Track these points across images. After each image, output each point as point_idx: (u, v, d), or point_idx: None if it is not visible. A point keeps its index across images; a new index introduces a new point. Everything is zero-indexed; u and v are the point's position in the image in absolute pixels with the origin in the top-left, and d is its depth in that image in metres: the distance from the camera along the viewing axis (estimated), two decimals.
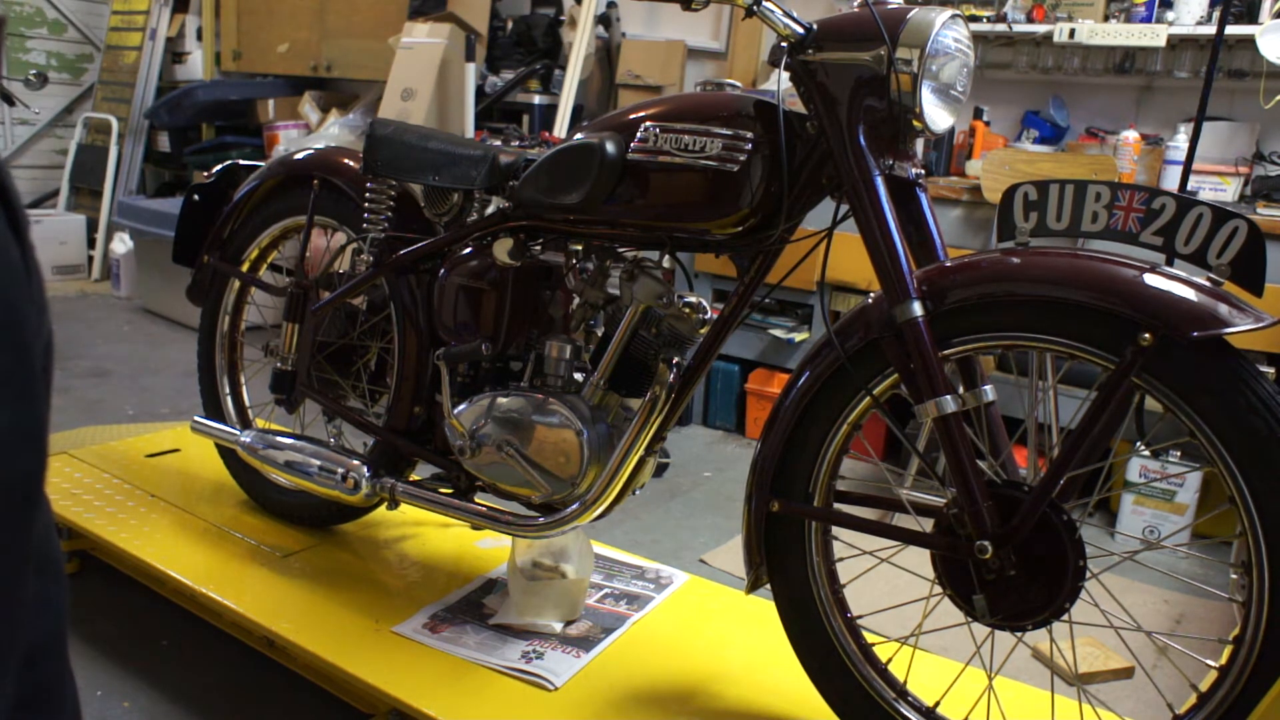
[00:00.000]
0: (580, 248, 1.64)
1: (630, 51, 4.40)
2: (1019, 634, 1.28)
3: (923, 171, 1.38)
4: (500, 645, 1.65)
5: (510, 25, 4.57)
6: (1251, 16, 3.08)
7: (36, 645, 0.66)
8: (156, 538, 1.97)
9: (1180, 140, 3.24)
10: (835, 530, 1.44)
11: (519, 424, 1.57)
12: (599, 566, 1.96)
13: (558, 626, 1.71)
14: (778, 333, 3.64)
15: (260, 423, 2.13)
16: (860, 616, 1.44)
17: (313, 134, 4.77)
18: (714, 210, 1.40)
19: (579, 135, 1.52)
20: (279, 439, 1.88)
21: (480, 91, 4.27)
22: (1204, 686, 1.20)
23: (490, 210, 1.72)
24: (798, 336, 3.63)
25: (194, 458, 2.41)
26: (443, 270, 1.73)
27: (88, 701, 1.72)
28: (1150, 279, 1.14)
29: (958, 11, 1.30)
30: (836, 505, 1.42)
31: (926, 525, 1.33)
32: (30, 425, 0.57)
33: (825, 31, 1.31)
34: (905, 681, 1.41)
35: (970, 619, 1.29)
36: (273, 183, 2.03)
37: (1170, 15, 3.22)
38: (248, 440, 1.92)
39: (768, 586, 1.48)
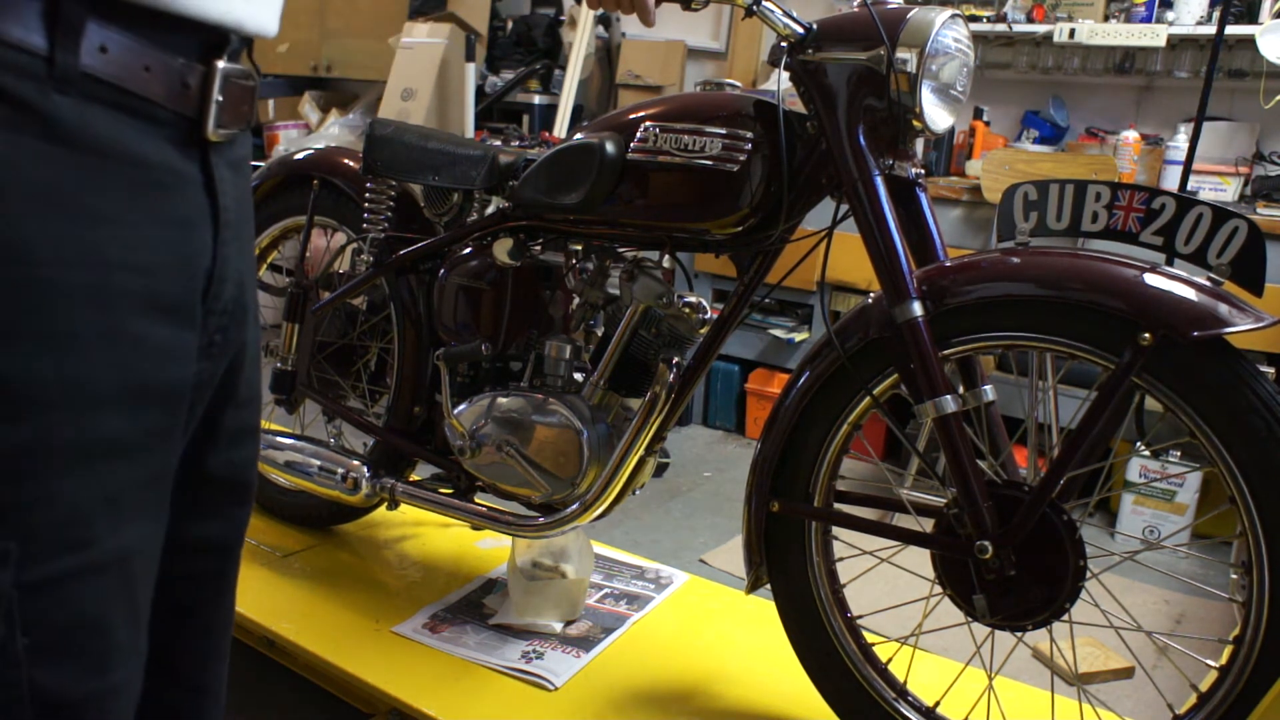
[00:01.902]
0: (580, 248, 1.64)
1: (630, 51, 4.40)
2: (1019, 634, 1.28)
3: (923, 171, 1.38)
4: (500, 645, 1.65)
5: (510, 25, 4.56)
6: (1251, 16, 3.08)
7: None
8: None
9: (1180, 140, 3.24)
10: (835, 530, 1.44)
11: (519, 424, 1.57)
12: (599, 566, 1.96)
13: (558, 626, 1.71)
14: (778, 333, 3.65)
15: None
16: (860, 616, 1.44)
17: (313, 134, 4.76)
18: (714, 210, 1.40)
19: (579, 135, 1.52)
20: (279, 439, 1.88)
21: (480, 91, 4.27)
22: (1204, 686, 1.20)
23: (490, 210, 1.72)
24: (798, 336, 3.63)
25: None
26: (442, 270, 1.73)
27: None
28: (1150, 279, 1.14)
29: (958, 11, 1.30)
30: (837, 505, 1.42)
31: (927, 525, 1.33)
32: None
33: (825, 31, 1.31)
34: (905, 681, 1.41)
35: (970, 619, 1.29)
36: (272, 183, 2.03)
37: (1170, 15, 3.22)
38: None
39: (768, 586, 1.48)
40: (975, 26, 3.44)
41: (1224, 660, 1.18)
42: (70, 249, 0.60)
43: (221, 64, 0.69)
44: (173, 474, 0.72)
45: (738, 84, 1.49)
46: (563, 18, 4.48)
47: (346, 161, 1.92)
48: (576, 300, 1.66)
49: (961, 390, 1.32)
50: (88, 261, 0.61)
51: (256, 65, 0.76)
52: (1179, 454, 2.97)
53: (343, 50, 4.88)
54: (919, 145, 1.40)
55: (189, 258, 0.69)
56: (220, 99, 0.69)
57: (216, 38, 0.69)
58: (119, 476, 0.65)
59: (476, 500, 1.72)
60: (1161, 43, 3.18)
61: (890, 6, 1.29)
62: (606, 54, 4.47)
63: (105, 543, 0.65)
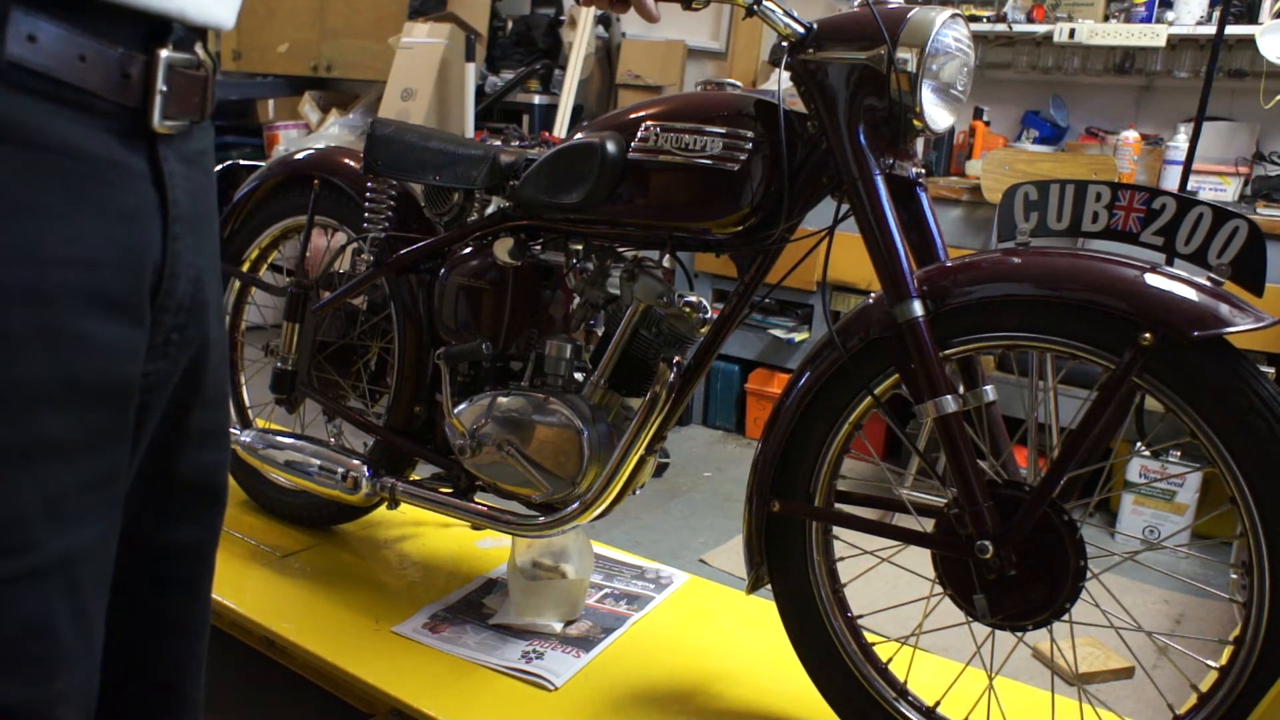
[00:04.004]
0: (580, 247, 1.64)
1: (630, 51, 4.40)
2: (1019, 634, 1.28)
3: (923, 171, 1.38)
4: (500, 645, 1.65)
5: (510, 25, 4.56)
6: (1251, 16, 3.09)
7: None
8: None
9: (1180, 140, 3.24)
10: (836, 530, 1.44)
11: (519, 423, 1.57)
12: (599, 566, 1.96)
13: (558, 626, 1.71)
14: (778, 333, 3.65)
15: (260, 423, 2.13)
16: (861, 616, 1.44)
17: (313, 134, 4.76)
18: (714, 209, 1.40)
19: (579, 135, 1.52)
20: (279, 439, 1.88)
21: (480, 91, 4.27)
22: (1204, 687, 1.20)
23: (490, 210, 1.72)
24: (798, 336, 3.63)
25: None
26: (443, 270, 1.73)
27: None
28: (1150, 279, 1.14)
29: (958, 11, 1.30)
30: (837, 505, 1.42)
31: (927, 525, 1.33)
32: None
33: (825, 31, 1.31)
34: (905, 681, 1.41)
35: (971, 619, 1.29)
36: (273, 183, 2.03)
37: (1170, 15, 3.22)
38: (247, 440, 1.91)
39: (768, 586, 1.48)
40: (975, 26, 3.44)
41: (1224, 660, 1.18)
42: (1, 244, 0.59)
43: (165, 53, 0.66)
44: (125, 475, 0.70)
45: (738, 84, 1.49)
46: (563, 18, 4.48)
47: (347, 161, 1.92)
48: (577, 300, 1.66)
49: (962, 390, 1.32)
50: (21, 257, 0.60)
51: (213, 55, 0.73)
52: (1179, 454, 2.97)
53: (343, 50, 4.87)
54: (919, 145, 1.40)
55: (134, 253, 0.67)
56: (165, 89, 0.66)
57: (159, 27, 0.66)
58: (61, 478, 0.63)
59: (476, 500, 1.72)
60: (1161, 43, 3.18)
61: (891, 6, 1.29)
62: (606, 54, 4.47)
63: (47, 546, 0.63)
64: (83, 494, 0.65)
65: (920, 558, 1.33)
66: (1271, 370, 2.83)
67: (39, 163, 0.60)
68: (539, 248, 1.66)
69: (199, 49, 0.71)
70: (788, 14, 1.30)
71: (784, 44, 1.33)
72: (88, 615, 0.67)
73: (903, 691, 1.40)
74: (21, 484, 0.61)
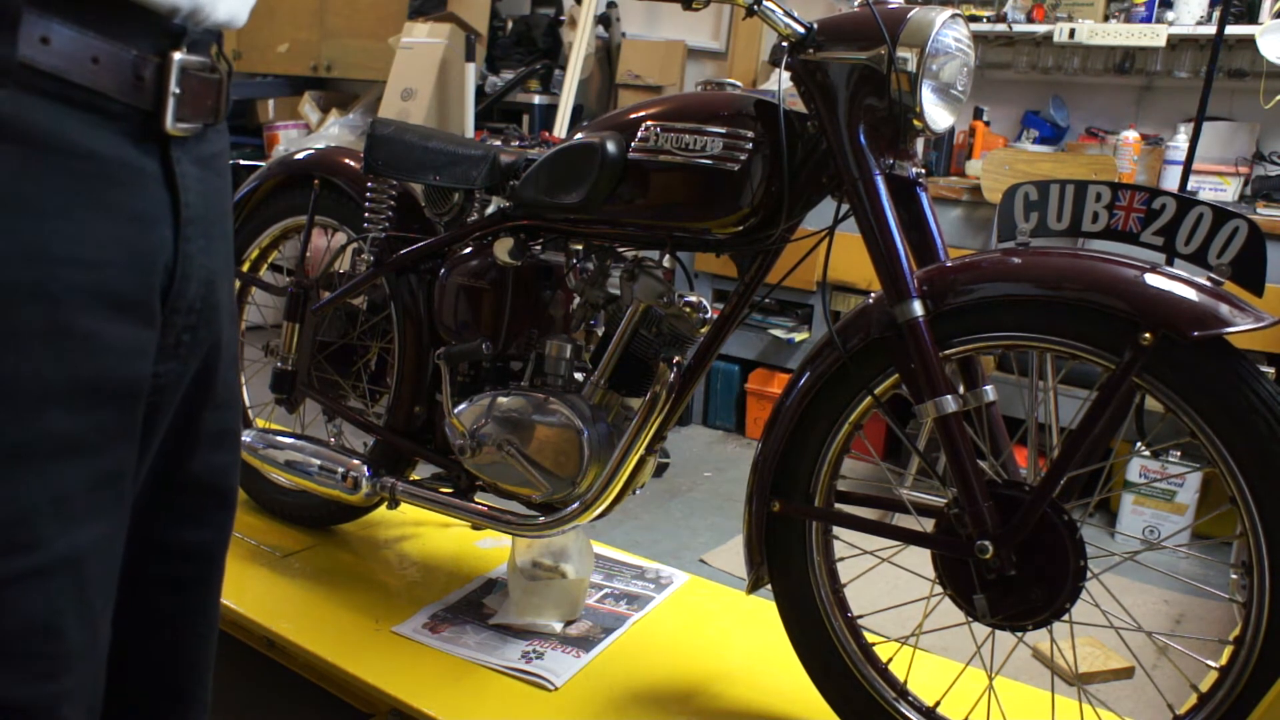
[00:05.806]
0: (580, 247, 1.64)
1: (630, 51, 4.40)
2: (1019, 634, 1.28)
3: (923, 171, 1.38)
4: (500, 645, 1.65)
5: (510, 25, 4.56)
6: (1251, 16, 3.08)
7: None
8: None
9: (1180, 140, 3.24)
10: (836, 530, 1.44)
11: (519, 423, 1.57)
12: (599, 566, 1.96)
13: (558, 626, 1.71)
14: (778, 333, 3.65)
15: (260, 423, 2.13)
16: (861, 616, 1.44)
17: (313, 134, 4.76)
18: (714, 209, 1.40)
19: (579, 135, 1.52)
20: (279, 439, 1.88)
21: (480, 91, 4.26)
22: (1204, 687, 1.20)
23: (490, 210, 1.72)
24: (798, 336, 3.63)
25: None
26: (443, 270, 1.73)
27: None
28: (1150, 279, 1.14)
29: (958, 11, 1.30)
30: (837, 505, 1.42)
31: (927, 525, 1.33)
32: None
33: (826, 31, 1.31)
34: (905, 681, 1.41)
35: (971, 619, 1.29)
36: (273, 183, 2.03)
37: (1170, 15, 3.22)
38: (247, 440, 1.91)
39: (768, 586, 1.48)
40: (975, 26, 3.44)
41: (1224, 660, 1.18)
42: (8, 243, 0.59)
43: (178, 55, 0.67)
44: (132, 475, 0.70)
45: (738, 84, 1.49)
46: (563, 18, 4.47)
47: (347, 161, 1.92)
48: (577, 300, 1.67)
49: (962, 390, 1.32)
50: (30, 256, 0.60)
51: (228, 58, 0.74)
52: (1179, 454, 2.97)
53: (343, 50, 4.87)
54: (919, 145, 1.40)
55: (144, 254, 0.67)
56: (178, 92, 0.67)
57: (174, 29, 0.67)
58: (67, 476, 0.63)
59: (476, 500, 1.72)
60: (1161, 43, 3.18)
61: (891, 6, 1.29)
62: (606, 54, 4.46)
63: (54, 545, 0.63)
64: (89, 493, 0.65)
65: (920, 558, 1.33)
66: (1271, 370, 2.83)
67: (50, 163, 0.60)
68: (539, 248, 1.66)
69: (213, 52, 0.72)
70: (788, 14, 1.30)
71: (784, 44, 1.33)
72: (94, 614, 0.67)
73: (903, 691, 1.40)
74: (28, 482, 0.61)
